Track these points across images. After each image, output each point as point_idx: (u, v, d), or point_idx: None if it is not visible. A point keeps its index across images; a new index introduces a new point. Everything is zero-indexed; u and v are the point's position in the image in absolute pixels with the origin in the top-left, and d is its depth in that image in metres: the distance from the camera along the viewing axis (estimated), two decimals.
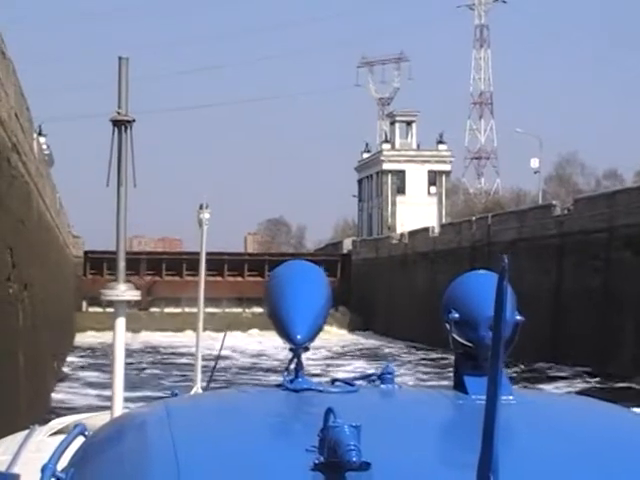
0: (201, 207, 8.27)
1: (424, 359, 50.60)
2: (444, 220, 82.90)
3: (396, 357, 52.67)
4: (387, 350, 58.57)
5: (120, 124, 5.30)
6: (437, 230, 69.00)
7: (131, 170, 5.35)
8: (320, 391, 3.05)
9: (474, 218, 63.09)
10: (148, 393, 30.31)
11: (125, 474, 2.46)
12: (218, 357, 6.03)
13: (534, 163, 75.28)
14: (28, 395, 20.50)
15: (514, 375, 38.44)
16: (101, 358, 44.79)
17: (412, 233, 72.32)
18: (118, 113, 5.33)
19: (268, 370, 40.48)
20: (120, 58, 5.42)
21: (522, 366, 39.75)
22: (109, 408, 5.26)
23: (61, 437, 2.96)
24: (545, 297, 47.68)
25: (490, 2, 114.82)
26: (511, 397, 3.03)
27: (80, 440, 2.93)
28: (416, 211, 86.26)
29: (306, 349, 3.21)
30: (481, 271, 3.33)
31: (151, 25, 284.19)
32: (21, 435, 5.61)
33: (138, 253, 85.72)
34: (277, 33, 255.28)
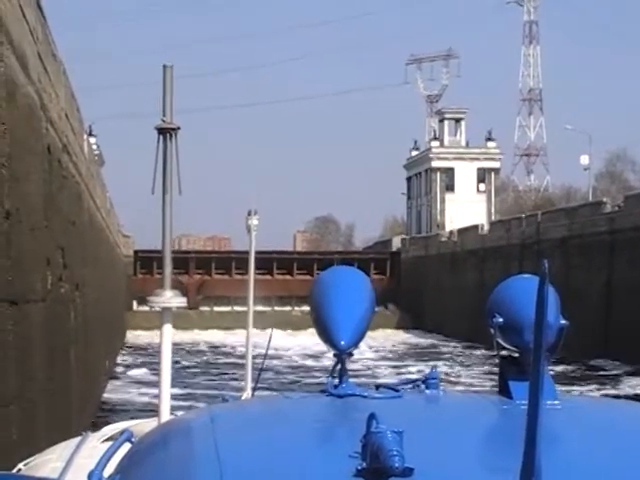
0: (249, 213, 8.28)
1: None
2: (493, 218, 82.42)
3: (453, 356, 52.45)
4: (444, 349, 58.06)
5: (165, 132, 5.30)
6: (486, 228, 68.62)
7: (176, 177, 5.36)
8: (364, 397, 3.06)
9: (524, 215, 62.63)
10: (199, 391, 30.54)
11: None
12: (264, 360, 6.04)
13: (584, 160, 74.66)
14: (80, 394, 20.68)
15: (568, 373, 38.21)
16: (151, 357, 45.08)
17: (461, 231, 71.98)
18: (163, 121, 5.33)
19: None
20: (164, 66, 5.41)
21: (575, 365, 39.55)
22: (157, 412, 5.30)
23: None
24: (596, 294, 47.27)
25: None
26: (556, 402, 3.02)
27: (127, 447, 2.97)
28: (465, 209, 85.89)
29: (350, 355, 3.22)
30: (525, 275, 3.32)
31: (197, 23, 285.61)
32: (74, 442, 5.66)
33: (187, 252, 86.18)
34: (324, 30, 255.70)
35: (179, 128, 5.35)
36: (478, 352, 51.27)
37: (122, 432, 3.06)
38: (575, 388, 32.29)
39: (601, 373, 41.23)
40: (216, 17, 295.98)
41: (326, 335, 3.18)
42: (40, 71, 15.07)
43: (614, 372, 41.11)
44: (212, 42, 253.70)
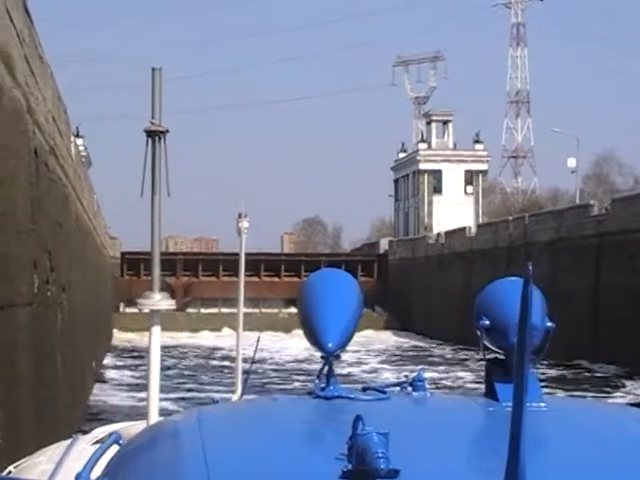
0: (240, 216, 8.29)
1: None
2: (481, 220, 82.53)
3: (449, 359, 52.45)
4: (432, 352, 57.98)
5: (154, 134, 5.30)
6: (474, 230, 68.67)
7: (165, 179, 5.35)
8: (351, 399, 3.06)
9: (511, 218, 62.73)
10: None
11: None
12: (252, 364, 6.03)
13: (571, 162, 74.82)
14: (67, 397, 20.63)
15: (555, 376, 38.25)
16: (138, 359, 45.00)
17: (449, 233, 72.06)
18: (152, 123, 5.33)
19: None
20: (153, 69, 5.39)
21: (563, 368, 39.64)
22: (146, 414, 5.30)
23: None
24: (583, 297, 47.36)
25: (527, 0, 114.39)
26: (542, 404, 3.03)
27: (115, 449, 2.97)
28: (453, 211, 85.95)
29: (337, 357, 3.23)
30: (512, 278, 3.33)
31: (183, 26, 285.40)
32: (64, 444, 5.67)
33: (174, 254, 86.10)
34: (311, 32, 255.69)
35: (168, 131, 5.34)
36: (463, 354, 51.34)
37: (110, 434, 3.06)
38: (561, 392, 32.34)
39: (590, 375, 41.31)
40: (208, 19, 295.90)
41: (314, 337, 3.19)
42: (27, 74, 15.04)
43: (603, 375, 41.19)
44: (200, 44, 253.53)
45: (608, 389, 35.88)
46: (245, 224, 8.25)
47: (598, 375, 41.19)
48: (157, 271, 5.44)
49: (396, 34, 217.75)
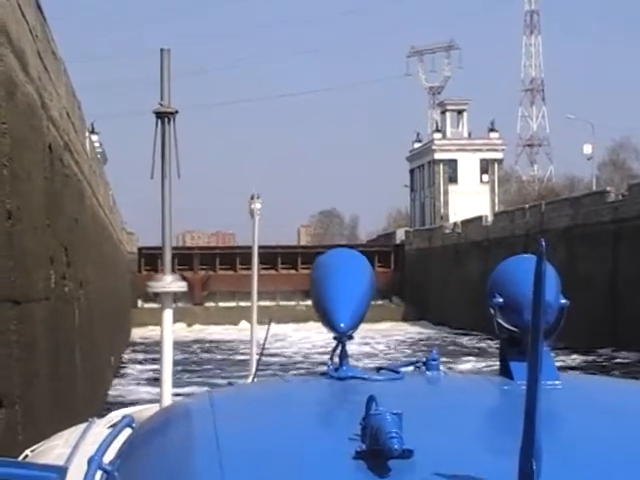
0: (252, 197, 8.29)
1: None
2: (497, 208, 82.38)
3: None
4: (448, 341, 57.91)
5: (163, 116, 5.28)
6: (490, 219, 68.54)
7: (175, 162, 5.33)
8: (365, 379, 3.05)
9: (527, 206, 62.59)
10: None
11: (169, 465, 2.48)
12: (263, 348, 6.03)
13: (587, 149, 74.72)
14: (85, 392, 20.69)
15: (575, 364, 38.17)
16: (155, 354, 45.06)
17: (465, 222, 71.95)
18: (161, 105, 5.32)
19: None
20: (162, 50, 5.38)
21: (584, 355, 39.48)
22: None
23: None
24: (601, 284, 47.21)
25: None
26: (557, 382, 3.01)
27: (128, 432, 2.97)
28: (469, 200, 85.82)
29: (350, 337, 3.21)
30: (525, 255, 3.29)
31: (196, 20, 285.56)
32: (80, 428, 5.67)
33: (191, 248, 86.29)
34: (326, 24, 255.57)
35: (177, 112, 5.33)
36: (483, 343, 51.29)
37: (122, 417, 3.06)
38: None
39: (611, 363, 41.16)
40: (220, 13, 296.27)
41: (326, 318, 3.18)
42: (40, 69, 15.06)
43: (624, 361, 41.06)
44: (213, 38, 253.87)
45: (630, 375, 35.78)
46: (258, 205, 8.24)
47: (619, 362, 41.06)
48: (168, 255, 5.43)
49: (410, 24, 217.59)
